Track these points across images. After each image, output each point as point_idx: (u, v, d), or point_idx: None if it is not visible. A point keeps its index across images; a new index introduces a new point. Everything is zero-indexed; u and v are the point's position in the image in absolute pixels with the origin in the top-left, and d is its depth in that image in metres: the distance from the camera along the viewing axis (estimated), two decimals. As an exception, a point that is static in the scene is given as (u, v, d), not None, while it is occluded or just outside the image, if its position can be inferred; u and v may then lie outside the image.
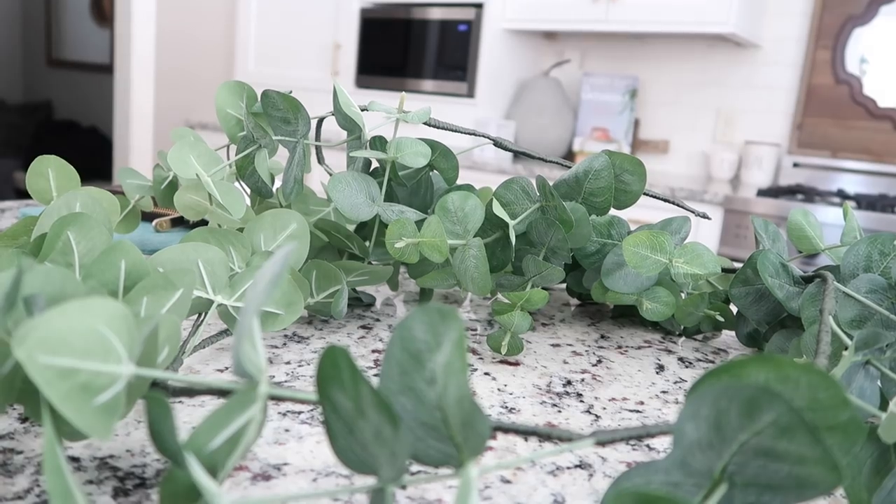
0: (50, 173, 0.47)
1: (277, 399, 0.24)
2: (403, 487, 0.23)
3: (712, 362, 0.52)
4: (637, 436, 0.25)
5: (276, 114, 0.52)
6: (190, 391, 0.30)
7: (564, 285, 0.71)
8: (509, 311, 0.47)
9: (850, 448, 0.21)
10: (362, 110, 0.54)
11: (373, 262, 0.56)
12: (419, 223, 0.53)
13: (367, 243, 0.54)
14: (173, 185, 0.56)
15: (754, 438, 0.20)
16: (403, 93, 0.52)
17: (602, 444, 0.24)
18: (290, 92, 0.53)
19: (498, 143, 0.58)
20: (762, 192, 2.21)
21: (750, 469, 0.20)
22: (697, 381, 0.22)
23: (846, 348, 0.40)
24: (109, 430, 0.22)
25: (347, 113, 0.52)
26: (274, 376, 0.42)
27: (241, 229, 0.53)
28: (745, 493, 0.21)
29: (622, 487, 0.23)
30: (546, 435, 0.25)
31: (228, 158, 0.56)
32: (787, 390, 0.21)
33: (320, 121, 0.57)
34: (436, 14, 2.86)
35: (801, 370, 0.20)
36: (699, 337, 0.58)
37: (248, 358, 0.22)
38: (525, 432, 0.26)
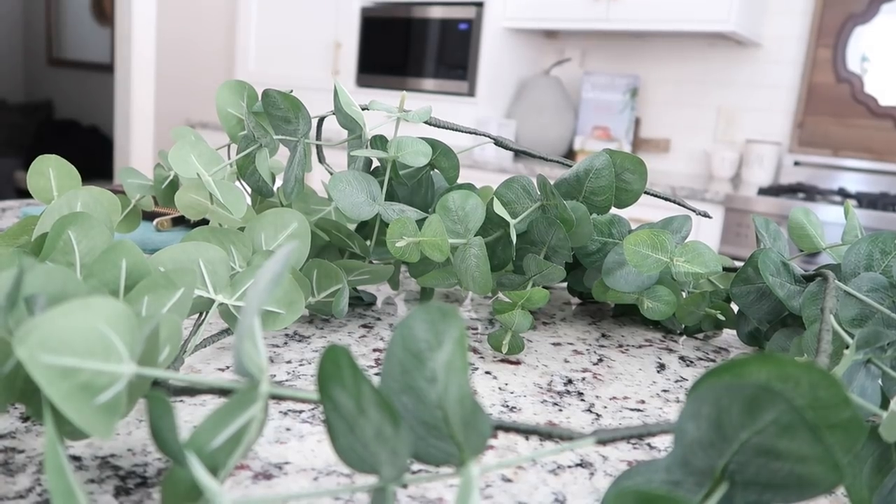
0: (51, 172, 0.47)
1: (278, 398, 0.24)
2: (404, 486, 0.23)
3: (713, 361, 0.52)
4: (638, 434, 0.25)
5: (276, 113, 0.52)
6: (191, 390, 0.30)
7: (565, 284, 0.71)
8: (510, 310, 0.47)
9: (851, 447, 0.21)
10: (363, 109, 0.54)
11: (373, 262, 0.56)
12: (420, 222, 0.53)
13: (367, 242, 0.54)
14: (174, 185, 0.56)
15: (755, 437, 0.20)
16: (404, 92, 0.52)
17: (603, 442, 0.24)
18: (291, 91, 0.53)
19: (499, 142, 0.58)
20: (763, 191, 2.21)
21: (751, 468, 0.20)
22: (698, 379, 0.22)
23: (847, 347, 0.40)
24: (111, 430, 0.22)
25: (348, 112, 0.52)
26: (275, 375, 0.42)
27: (241, 228, 0.53)
28: (745, 492, 0.21)
29: (623, 486, 0.23)
30: (547, 434, 0.25)
31: (229, 158, 0.56)
32: (788, 389, 0.21)
33: (321, 120, 0.57)
34: (436, 13, 2.86)
35: (802, 369, 0.20)
36: (700, 336, 0.58)
37: (250, 357, 0.22)
38: (526, 431, 0.26)
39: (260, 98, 0.53)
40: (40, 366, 0.21)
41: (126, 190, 0.55)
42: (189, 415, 0.36)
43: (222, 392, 0.28)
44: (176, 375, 0.25)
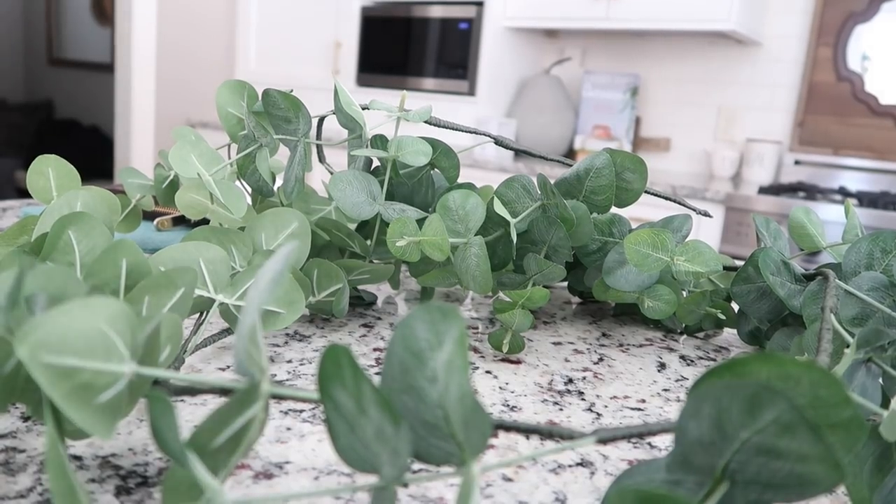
0: (50, 173, 0.47)
1: (279, 397, 0.24)
2: (405, 486, 0.23)
3: (714, 360, 0.52)
4: (638, 434, 0.25)
5: (277, 113, 0.52)
6: (192, 390, 0.30)
7: (566, 283, 0.71)
8: (510, 310, 0.47)
9: (851, 446, 0.21)
10: (363, 109, 0.54)
11: (374, 261, 0.56)
12: (420, 222, 0.53)
13: (368, 242, 0.54)
14: (174, 185, 0.56)
15: (756, 436, 0.20)
16: (405, 91, 0.52)
17: (604, 441, 0.24)
18: (291, 91, 0.53)
19: (499, 142, 0.58)
20: (763, 190, 2.21)
21: (751, 467, 0.20)
22: (699, 379, 0.22)
23: (847, 346, 0.40)
24: (111, 430, 0.22)
25: (348, 112, 0.52)
26: (276, 375, 0.42)
27: (242, 228, 0.53)
28: (746, 492, 0.21)
29: (624, 485, 0.23)
30: (548, 433, 0.25)
31: (229, 157, 0.56)
32: (788, 388, 0.21)
33: (321, 119, 0.57)
34: (436, 12, 2.86)
35: (802, 368, 0.20)
36: (700, 335, 0.58)
37: (250, 357, 0.22)
38: (527, 430, 0.26)
39: (260, 98, 0.53)
40: (41, 366, 0.21)
41: (126, 190, 0.55)
42: (190, 414, 0.36)
43: (223, 392, 0.28)
44: (176, 375, 0.25)
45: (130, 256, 0.34)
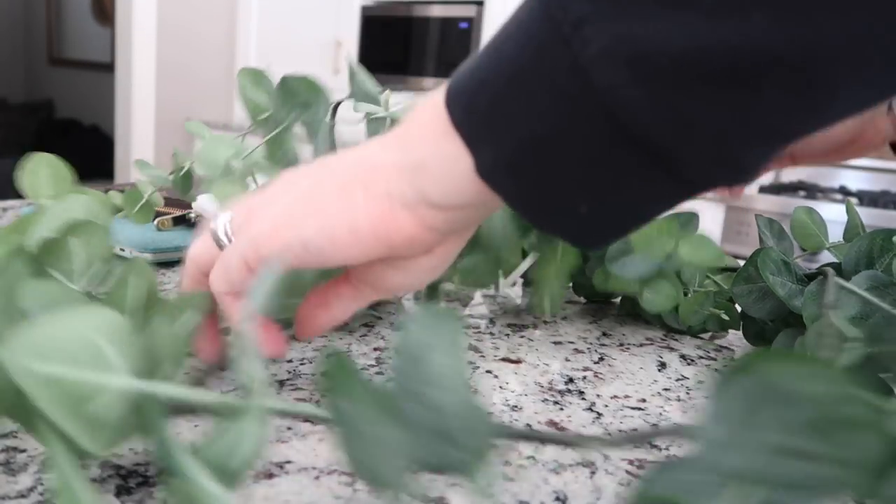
0: (44, 172, 0.46)
1: (280, 413, 0.24)
2: (407, 488, 0.23)
3: (714, 360, 0.52)
4: (647, 437, 0.25)
5: (295, 100, 0.51)
6: (192, 403, 0.30)
7: (569, 284, 0.71)
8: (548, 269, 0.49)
9: (863, 445, 0.21)
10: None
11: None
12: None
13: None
14: (189, 175, 0.56)
15: (767, 436, 0.20)
16: (387, 90, 0.52)
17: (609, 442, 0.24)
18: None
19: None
20: (764, 189, 2.21)
21: (766, 467, 0.20)
22: (711, 379, 0.21)
23: (849, 345, 0.39)
24: (108, 446, 0.22)
25: (366, 90, 0.51)
26: (276, 374, 0.42)
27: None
28: (761, 492, 0.21)
29: (643, 493, 0.23)
30: (560, 440, 0.25)
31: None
32: (796, 386, 0.21)
33: (336, 105, 0.57)
34: (437, 12, 2.85)
35: (811, 365, 0.20)
36: (706, 335, 0.58)
37: (249, 370, 0.22)
38: (529, 437, 0.26)
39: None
40: (23, 370, 0.20)
41: (139, 182, 0.55)
42: (189, 429, 0.36)
43: (223, 405, 0.28)
44: (176, 388, 0.25)
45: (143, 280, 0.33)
